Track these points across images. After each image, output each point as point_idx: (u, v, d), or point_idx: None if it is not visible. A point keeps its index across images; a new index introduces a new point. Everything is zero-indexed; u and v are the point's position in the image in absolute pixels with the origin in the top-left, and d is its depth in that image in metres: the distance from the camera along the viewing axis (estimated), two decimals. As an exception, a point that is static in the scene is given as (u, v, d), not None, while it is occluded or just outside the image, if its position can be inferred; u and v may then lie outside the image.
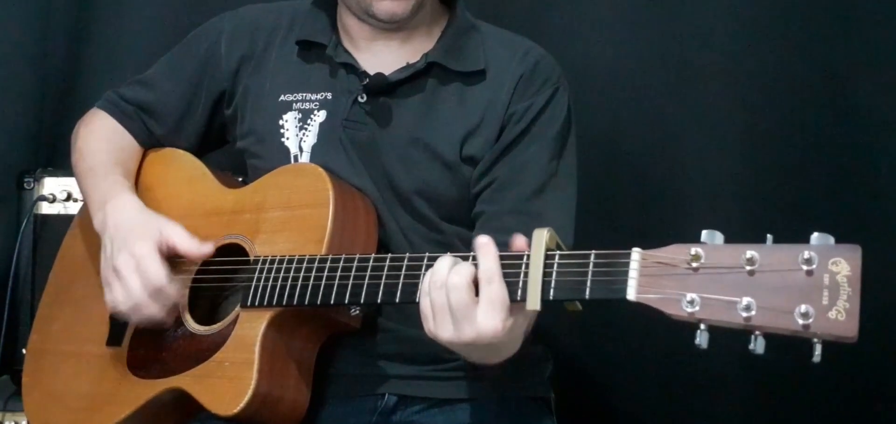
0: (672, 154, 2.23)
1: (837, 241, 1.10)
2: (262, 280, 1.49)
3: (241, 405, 1.44)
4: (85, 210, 1.86)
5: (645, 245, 1.20)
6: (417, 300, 1.33)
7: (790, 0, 2.18)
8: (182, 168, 1.77)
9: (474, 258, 1.28)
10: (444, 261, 1.29)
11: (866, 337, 1.08)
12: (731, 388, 2.16)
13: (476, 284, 1.26)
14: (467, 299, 1.25)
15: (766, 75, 2.18)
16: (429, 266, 1.33)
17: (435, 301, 1.28)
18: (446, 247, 1.61)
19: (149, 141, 1.82)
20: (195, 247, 1.58)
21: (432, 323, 1.29)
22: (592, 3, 2.26)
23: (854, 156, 2.15)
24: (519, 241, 1.30)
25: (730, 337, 1.13)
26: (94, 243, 1.78)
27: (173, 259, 1.59)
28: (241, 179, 1.79)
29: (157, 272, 1.55)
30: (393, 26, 1.62)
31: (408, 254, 1.38)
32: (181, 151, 1.79)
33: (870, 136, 2.15)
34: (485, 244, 1.27)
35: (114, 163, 1.74)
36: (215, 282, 1.62)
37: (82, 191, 1.77)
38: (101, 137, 1.79)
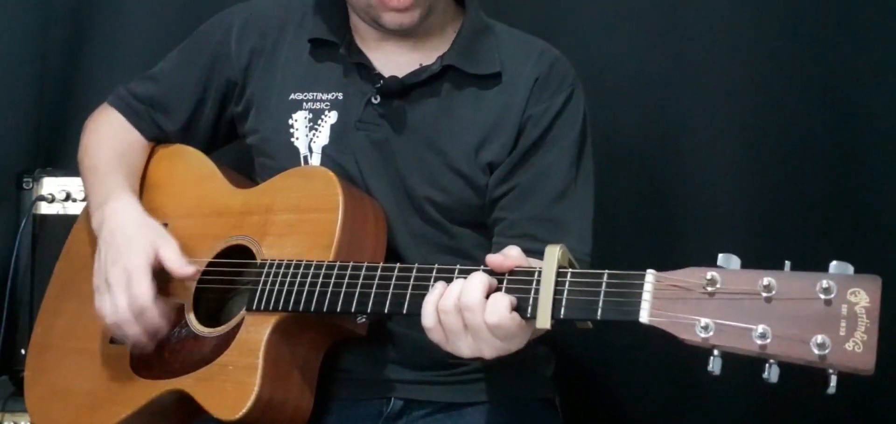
0: (677, 158, 2.23)
1: (847, 248, 1.09)
2: (269, 284, 1.47)
3: (244, 410, 1.43)
4: (90, 205, 1.86)
5: (649, 252, 1.18)
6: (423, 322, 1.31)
7: (796, 2, 2.17)
8: (191, 166, 1.75)
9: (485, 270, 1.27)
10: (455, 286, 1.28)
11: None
12: (735, 390, 2.14)
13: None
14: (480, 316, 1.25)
15: (775, 83, 2.18)
16: (437, 278, 1.32)
17: (449, 325, 1.27)
18: (457, 252, 1.61)
19: (159, 138, 1.80)
20: (180, 266, 1.56)
21: (448, 346, 1.29)
22: (594, 5, 2.25)
23: (863, 161, 2.16)
24: (513, 252, 1.29)
25: (743, 358, 1.11)
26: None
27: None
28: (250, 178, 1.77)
29: (144, 292, 1.53)
30: (402, 34, 1.61)
31: (416, 265, 1.37)
32: (190, 148, 1.77)
33: (873, 138, 2.15)
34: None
35: (117, 162, 1.73)
36: (221, 283, 1.60)
37: (84, 188, 1.76)
38: (107, 133, 1.78)
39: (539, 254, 1.25)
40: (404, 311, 1.35)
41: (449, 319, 1.26)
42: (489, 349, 1.27)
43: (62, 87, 2.33)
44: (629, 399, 2.28)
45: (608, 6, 2.24)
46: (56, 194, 2.06)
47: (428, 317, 1.29)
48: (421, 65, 1.63)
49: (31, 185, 2.07)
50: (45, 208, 2.07)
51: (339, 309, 1.40)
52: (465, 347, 1.27)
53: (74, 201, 2.05)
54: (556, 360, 1.76)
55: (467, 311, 1.24)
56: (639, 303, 1.15)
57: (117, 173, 1.71)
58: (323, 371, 1.55)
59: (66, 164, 2.08)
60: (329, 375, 1.57)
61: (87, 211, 1.82)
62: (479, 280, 1.26)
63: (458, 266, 1.31)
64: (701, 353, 1.12)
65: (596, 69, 2.10)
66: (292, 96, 1.66)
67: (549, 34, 1.77)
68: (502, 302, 1.24)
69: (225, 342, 1.50)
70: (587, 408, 2.14)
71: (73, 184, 2.05)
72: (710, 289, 1.11)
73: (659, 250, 1.20)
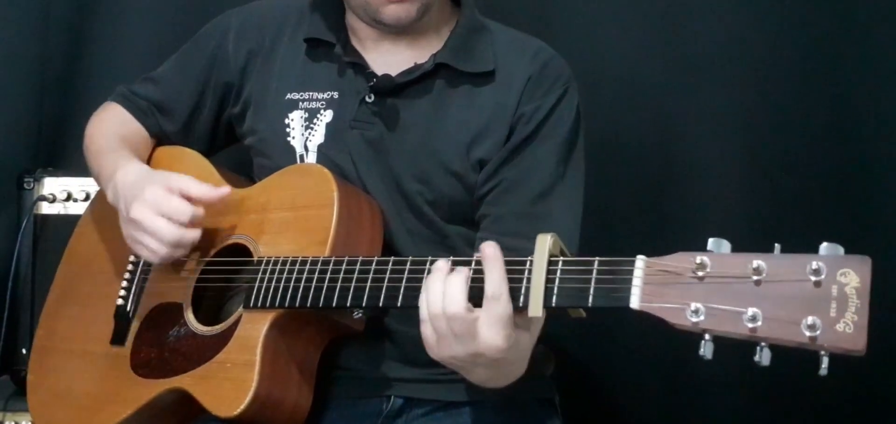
0: (673, 154, 2.23)
1: (843, 242, 1.07)
2: (265, 281, 1.48)
3: (242, 407, 1.43)
4: (93, 208, 1.87)
5: (646, 248, 1.18)
6: (418, 308, 1.30)
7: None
8: (189, 167, 1.75)
9: (477, 264, 1.26)
10: (436, 286, 1.25)
11: (870, 340, 1.05)
12: (734, 388, 2.15)
13: (472, 296, 1.24)
14: (469, 321, 1.23)
15: (769, 77, 2.18)
16: (431, 270, 1.32)
17: (438, 329, 1.26)
18: (451, 249, 1.60)
19: (160, 136, 1.82)
20: (208, 190, 1.55)
21: (436, 348, 1.28)
22: (594, 4, 2.26)
23: (858, 155, 2.16)
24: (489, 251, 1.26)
25: (734, 342, 1.11)
26: (102, 240, 1.78)
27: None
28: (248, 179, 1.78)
29: (178, 205, 1.53)
30: (399, 30, 1.61)
31: (410, 258, 1.37)
32: (189, 150, 1.78)
33: (867, 132, 2.16)
34: (491, 257, 1.24)
35: (121, 142, 1.74)
36: (219, 282, 1.61)
37: (94, 174, 1.77)
38: (110, 123, 1.80)
39: (523, 251, 1.25)
40: (399, 304, 1.35)
41: (440, 324, 1.25)
42: (473, 346, 1.24)
43: (63, 87, 2.35)
44: (629, 399, 2.27)
45: (605, 5, 2.25)
46: (57, 194, 2.08)
47: (423, 309, 1.28)
48: (415, 63, 1.63)
49: (32, 185, 2.09)
50: (46, 209, 2.08)
51: (334, 304, 1.41)
52: (459, 349, 1.25)
53: (75, 201, 2.06)
54: (556, 360, 1.74)
55: (454, 321, 1.24)
56: (629, 289, 1.14)
57: (122, 149, 1.72)
58: (323, 369, 1.55)
59: (68, 164, 2.11)
60: (329, 373, 1.57)
61: (88, 215, 1.85)
62: (459, 286, 1.24)
63: (451, 259, 1.30)
64: (692, 338, 1.11)
65: (592, 68, 2.10)
66: (288, 96, 1.67)
67: (545, 33, 1.77)
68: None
69: (223, 339, 1.51)
70: (587, 408, 2.13)
71: (74, 184, 2.07)
72: (700, 273, 1.11)
73: (655, 246, 1.20)
